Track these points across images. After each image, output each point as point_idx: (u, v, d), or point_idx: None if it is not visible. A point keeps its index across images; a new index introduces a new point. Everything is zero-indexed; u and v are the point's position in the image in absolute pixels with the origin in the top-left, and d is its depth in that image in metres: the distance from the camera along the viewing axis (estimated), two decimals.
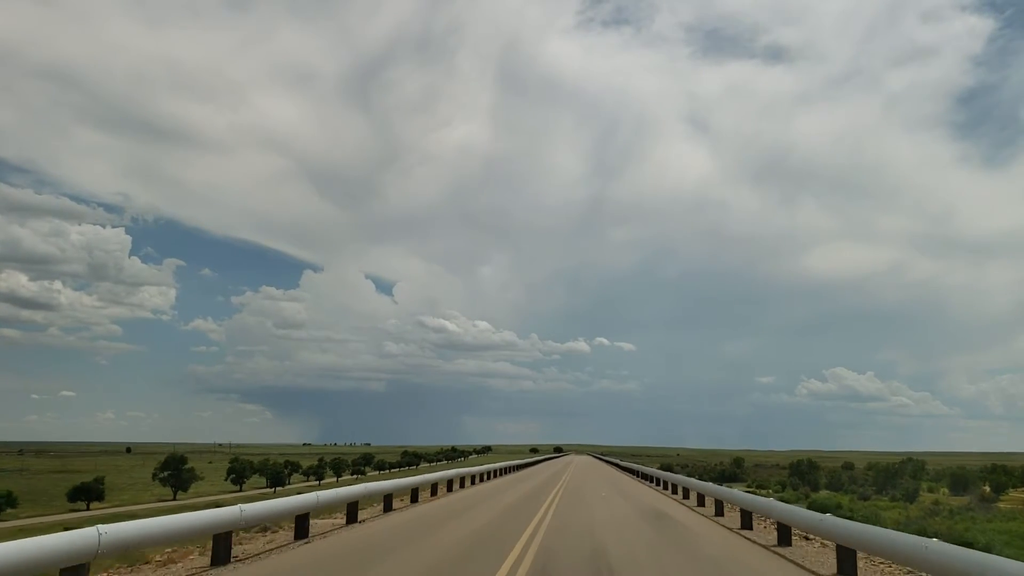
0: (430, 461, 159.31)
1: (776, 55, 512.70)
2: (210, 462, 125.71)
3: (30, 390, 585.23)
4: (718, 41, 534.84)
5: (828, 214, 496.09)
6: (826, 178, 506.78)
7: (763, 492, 68.26)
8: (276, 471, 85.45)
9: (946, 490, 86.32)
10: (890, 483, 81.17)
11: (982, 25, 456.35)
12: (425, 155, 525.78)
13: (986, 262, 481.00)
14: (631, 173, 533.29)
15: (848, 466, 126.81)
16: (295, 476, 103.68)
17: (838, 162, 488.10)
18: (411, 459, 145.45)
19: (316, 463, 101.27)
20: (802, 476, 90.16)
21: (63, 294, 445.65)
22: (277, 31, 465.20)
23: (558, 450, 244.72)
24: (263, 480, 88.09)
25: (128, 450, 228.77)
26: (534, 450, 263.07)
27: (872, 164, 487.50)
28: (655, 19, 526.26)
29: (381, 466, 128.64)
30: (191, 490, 76.04)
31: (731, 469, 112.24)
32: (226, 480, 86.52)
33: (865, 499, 71.40)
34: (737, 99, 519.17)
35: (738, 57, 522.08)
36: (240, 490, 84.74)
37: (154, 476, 73.09)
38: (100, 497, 61.54)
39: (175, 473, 71.84)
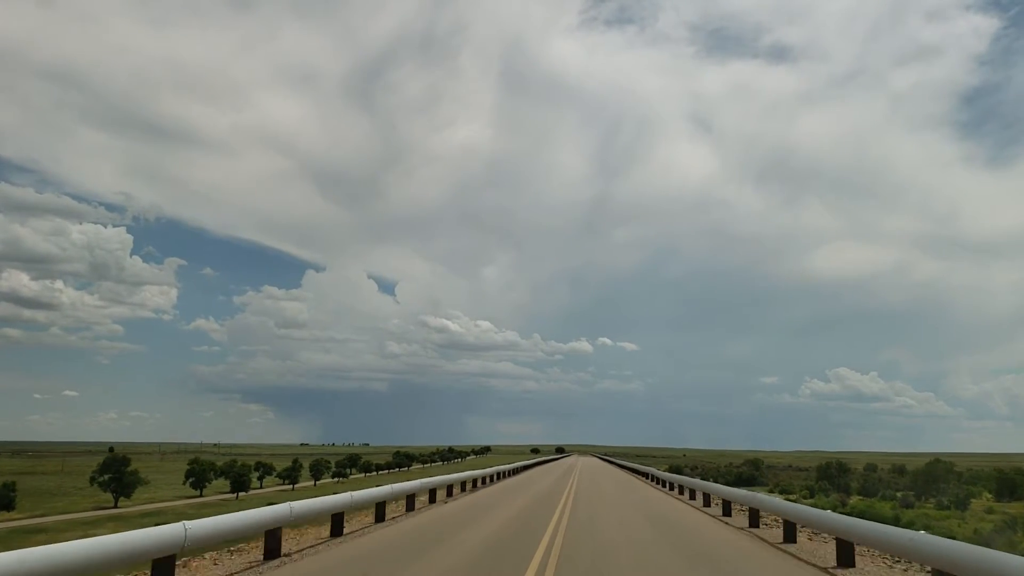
0: (424, 463, 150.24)
1: (779, 54, 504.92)
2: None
3: (32, 390, 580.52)
4: (722, 40, 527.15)
5: (831, 214, 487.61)
6: (829, 178, 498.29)
7: (791, 497, 59.20)
8: (240, 474, 75.86)
9: (989, 495, 78.07)
10: (932, 487, 72.02)
11: (987, 24, 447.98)
12: (428, 155, 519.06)
13: (990, 262, 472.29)
14: (634, 173, 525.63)
15: (871, 468, 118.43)
16: (269, 479, 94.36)
17: (842, 162, 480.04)
18: (402, 460, 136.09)
19: (290, 465, 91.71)
20: (831, 480, 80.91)
21: (65, 293, 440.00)
22: (280, 31, 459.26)
23: (560, 450, 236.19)
24: (228, 484, 78.54)
25: (111, 450, 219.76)
26: (535, 450, 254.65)
27: (876, 164, 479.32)
28: (659, 18, 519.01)
29: (367, 468, 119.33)
30: (138, 495, 66.68)
31: (748, 471, 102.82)
32: (184, 484, 77.16)
33: (908, 506, 62.32)
34: (740, 98, 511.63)
35: (742, 56, 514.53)
36: (200, 495, 75.46)
37: (92, 480, 63.37)
38: (10, 506, 51.88)
39: (116, 477, 62.18)
